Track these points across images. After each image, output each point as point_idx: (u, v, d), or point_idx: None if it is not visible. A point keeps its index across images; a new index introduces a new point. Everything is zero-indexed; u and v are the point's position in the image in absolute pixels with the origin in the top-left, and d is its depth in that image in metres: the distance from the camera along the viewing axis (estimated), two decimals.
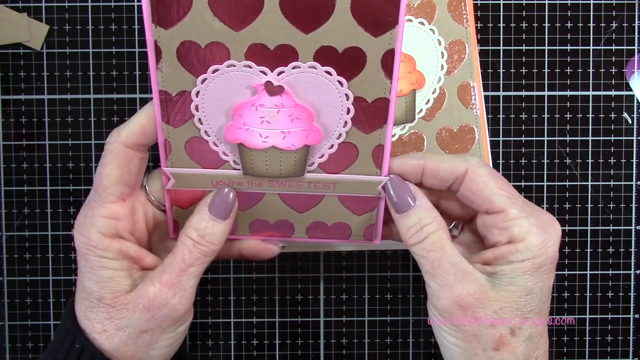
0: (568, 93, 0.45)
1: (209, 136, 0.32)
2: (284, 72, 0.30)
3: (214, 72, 0.30)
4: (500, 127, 0.45)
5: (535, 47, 0.45)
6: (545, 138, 0.45)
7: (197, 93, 0.31)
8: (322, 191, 0.34)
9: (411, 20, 0.42)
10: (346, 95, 0.31)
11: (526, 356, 0.30)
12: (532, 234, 0.30)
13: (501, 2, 0.45)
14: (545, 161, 0.45)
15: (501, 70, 0.45)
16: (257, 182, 0.33)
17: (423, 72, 0.42)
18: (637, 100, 0.45)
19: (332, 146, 0.33)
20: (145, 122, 0.32)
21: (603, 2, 0.45)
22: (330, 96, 0.31)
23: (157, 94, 0.31)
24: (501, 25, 0.45)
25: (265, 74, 0.30)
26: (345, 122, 0.32)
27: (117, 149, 0.31)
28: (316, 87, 0.31)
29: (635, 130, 0.46)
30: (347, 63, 0.30)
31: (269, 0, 0.28)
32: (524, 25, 0.45)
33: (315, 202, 0.35)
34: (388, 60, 0.30)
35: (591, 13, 0.45)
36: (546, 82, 0.45)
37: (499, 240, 0.31)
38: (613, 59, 0.45)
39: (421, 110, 0.42)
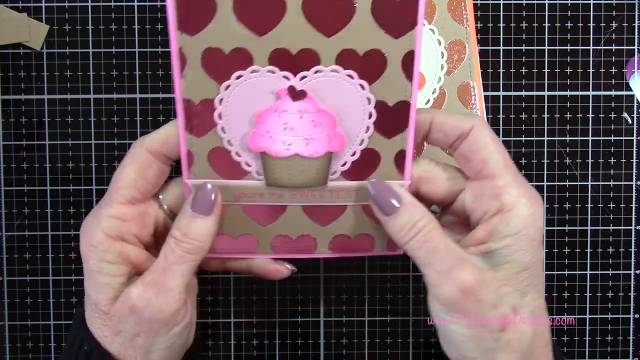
0: (568, 93, 0.45)
1: (232, 145, 0.32)
2: (306, 76, 0.30)
3: (237, 78, 0.30)
4: (500, 127, 0.45)
5: (535, 47, 0.45)
6: (545, 138, 0.45)
7: (221, 100, 0.30)
8: (344, 200, 0.34)
9: None
10: (368, 99, 0.31)
11: (532, 332, 0.30)
12: (522, 204, 0.30)
13: (501, 2, 0.45)
14: (545, 161, 0.45)
15: (501, 70, 0.45)
16: (279, 193, 0.33)
17: (423, 72, 0.42)
18: (637, 100, 0.45)
19: (354, 153, 0.32)
20: (171, 131, 0.32)
21: (603, 2, 0.45)
22: (353, 100, 0.31)
23: (181, 102, 0.31)
24: (501, 25, 0.45)
25: (288, 79, 0.30)
26: (368, 127, 0.31)
27: (138, 152, 0.32)
28: (338, 92, 0.30)
29: (635, 130, 0.46)
30: (368, 66, 0.30)
31: (292, 4, 0.28)
32: (524, 25, 0.45)
33: (338, 213, 0.34)
34: (408, 62, 0.30)
35: (591, 13, 0.45)
36: (546, 82, 0.45)
37: (487, 210, 0.31)
38: (613, 59, 0.45)
39: None
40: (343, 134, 0.31)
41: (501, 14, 0.45)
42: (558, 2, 0.45)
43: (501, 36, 0.45)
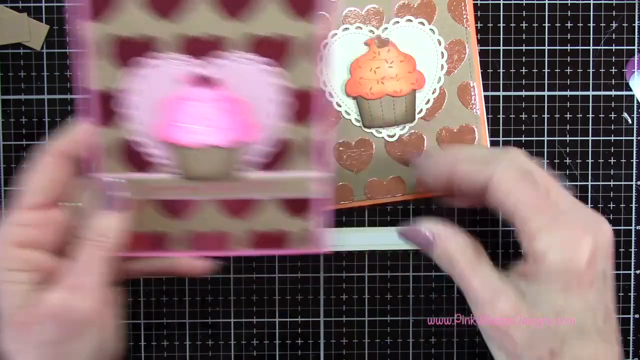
0: (568, 93, 0.45)
1: (141, 136, 0.31)
2: (214, 63, 0.29)
3: (144, 66, 0.29)
4: (500, 127, 0.45)
5: (535, 47, 0.45)
6: (545, 138, 0.45)
7: (128, 89, 0.30)
8: (260, 193, 0.33)
9: (411, 20, 0.42)
10: (278, 85, 0.30)
11: None
12: (552, 252, 0.28)
13: (501, 2, 0.45)
14: (545, 161, 0.45)
15: (501, 70, 0.45)
16: (192, 186, 0.32)
17: (423, 72, 0.42)
18: (637, 100, 0.45)
19: (267, 143, 0.31)
20: (78, 129, 0.31)
21: (603, 2, 0.45)
22: (263, 88, 0.30)
23: (87, 93, 0.30)
24: (501, 25, 0.45)
25: (195, 65, 0.29)
26: (280, 116, 0.31)
27: (44, 157, 0.31)
28: (248, 78, 0.30)
29: (635, 130, 0.46)
30: (277, 52, 0.29)
31: None
32: (524, 25, 0.45)
33: (254, 208, 0.33)
34: (315, 47, 0.30)
35: (591, 13, 0.45)
36: (546, 82, 0.45)
37: (526, 252, 0.30)
38: (613, 59, 0.45)
39: (421, 110, 0.42)
40: (255, 123, 0.31)
41: (501, 14, 0.45)
42: (558, 2, 0.45)
43: (501, 36, 0.45)
